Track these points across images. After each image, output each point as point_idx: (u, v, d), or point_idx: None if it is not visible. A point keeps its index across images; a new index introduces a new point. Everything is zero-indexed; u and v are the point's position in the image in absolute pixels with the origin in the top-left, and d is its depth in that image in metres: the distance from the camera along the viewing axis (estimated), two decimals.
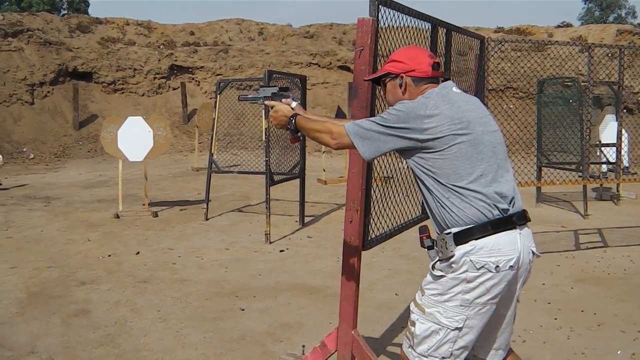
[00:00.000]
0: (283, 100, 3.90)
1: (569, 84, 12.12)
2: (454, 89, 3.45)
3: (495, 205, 3.25)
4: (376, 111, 4.38)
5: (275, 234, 9.52)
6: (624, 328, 5.89)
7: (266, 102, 3.97)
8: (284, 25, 28.88)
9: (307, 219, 10.65)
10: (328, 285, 7.06)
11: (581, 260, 8.35)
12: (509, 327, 3.49)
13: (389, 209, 4.83)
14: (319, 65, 25.85)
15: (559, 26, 28.69)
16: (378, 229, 4.64)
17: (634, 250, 8.88)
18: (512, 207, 3.31)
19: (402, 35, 4.70)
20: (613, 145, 9.10)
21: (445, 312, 3.28)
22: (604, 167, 12.80)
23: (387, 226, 4.84)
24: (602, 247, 9.16)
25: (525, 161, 9.40)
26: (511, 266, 3.20)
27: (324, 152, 16.22)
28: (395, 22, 4.42)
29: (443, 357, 3.32)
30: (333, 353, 4.51)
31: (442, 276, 3.33)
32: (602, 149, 11.26)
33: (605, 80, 12.90)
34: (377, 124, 3.38)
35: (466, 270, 3.23)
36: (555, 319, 6.10)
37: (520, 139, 10.63)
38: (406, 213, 5.11)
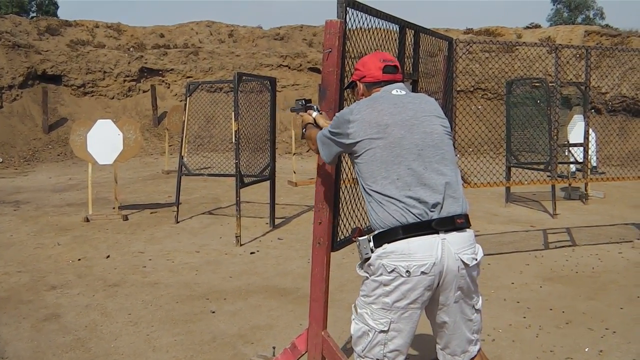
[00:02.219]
0: (308, 111, 4.10)
1: (538, 84, 12.21)
2: (395, 91, 3.57)
3: (408, 210, 3.28)
4: None
5: (246, 236, 9.52)
6: (592, 326, 5.96)
7: (300, 113, 4.16)
8: (254, 27, 28.80)
9: (277, 221, 10.65)
10: (299, 286, 7.08)
11: (550, 259, 8.43)
12: (458, 332, 3.49)
13: (359, 210, 4.85)
14: (289, 67, 25.84)
15: (527, 27, 28.93)
16: (348, 230, 4.65)
17: (601, 249, 8.97)
18: (438, 212, 3.30)
19: (371, 37, 4.72)
20: (580, 145, 9.21)
21: (372, 314, 3.37)
22: (573, 167, 12.93)
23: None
24: (570, 246, 9.25)
25: (494, 161, 9.46)
26: (423, 272, 3.23)
27: (294, 154, 16.22)
28: (364, 24, 4.44)
29: (377, 359, 3.40)
30: (303, 354, 4.52)
31: (366, 278, 3.43)
32: (570, 148, 11.37)
33: (573, 81, 13.00)
34: (328, 130, 3.58)
35: (381, 274, 3.31)
36: (524, 317, 6.16)
37: (489, 139, 10.71)
38: None
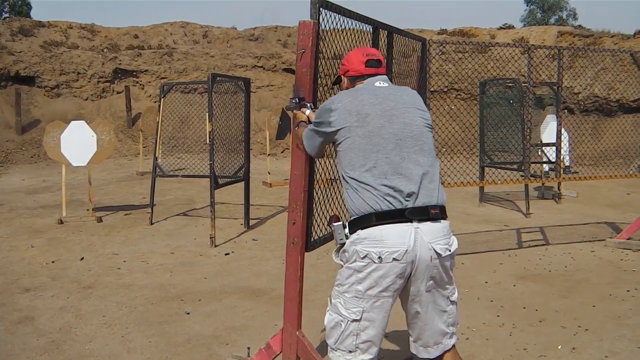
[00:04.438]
0: (302, 109, 4.07)
1: (511, 84, 12.29)
2: (377, 83, 3.70)
3: (383, 198, 3.35)
4: None
5: (221, 237, 9.51)
6: (565, 323, 6.01)
7: (294, 112, 4.12)
8: (228, 28, 28.72)
9: (252, 222, 10.65)
10: (273, 287, 7.08)
11: (523, 258, 8.49)
12: (430, 323, 3.53)
13: (332, 210, 4.87)
14: (264, 68, 25.78)
15: (501, 28, 29.03)
16: (321, 230, 4.67)
17: (574, 247, 9.05)
18: (413, 201, 3.37)
19: (344, 38, 4.75)
20: (553, 144, 9.28)
21: (345, 303, 3.42)
22: (546, 167, 13.03)
23: (331, 227, 4.88)
24: (543, 244, 9.32)
25: (468, 161, 9.53)
26: (395, 258, 3.29)
27: (268, 155, 16.21)
28: (337, 24, 4.46)
29: (350, 351, 3.44)
30: (278, 354, 4.53)
31: (341, 266, 3.49)
32: (543, 148, 11.46)
33: (545, 81, 13.10)
34: (312, 122, 3.68)
35: (355, 260, 3.38)
36: (498, 316, 6.20)
37: (462, 139, 10.76)
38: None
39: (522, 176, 9.00)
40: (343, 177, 3.53)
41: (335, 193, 4.97)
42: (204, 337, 5.67)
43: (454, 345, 3.67)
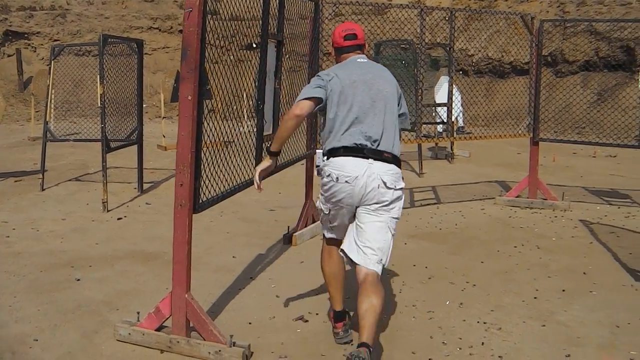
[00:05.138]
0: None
1: (405, 46, 12.40)
2: (359, 59, 4.75)
3: (355, 138, 4.43)
4: (207, 73, 4.42)
5: (114, 202, 9.36)
6: (454, 280, 6.18)
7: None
8: None
9: (146, 186, 10.54)
10: (166, 251, 6.95)
11: (415, 216, 8.66)
12: (368, 228, 4.47)
13: (221, 172, 4.86)
14: (160, 30, 25.44)
15: None
16: (210, 192, 4.66)
17: (465, 206, 9.29)
18: (375, 146, 4.43)
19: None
20: (445, 105, 9.43)
21: (321, 200, 4.71)
22: (440, 127, 13.25)
23: (220, 189, 4.87)
24: (435, 203, 9.53)
25: None
26: (347, 181, 4.38)
27: (163, 117, 16.01)
28: None
29: (326, 230, 4.86)
30: (168, 318, 4.52)
31: (321, 179, 4.63)
32: (438, 109, 11.64)
33: (438, 42, 13.25)
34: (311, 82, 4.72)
35: (324, 177, 4.55)
36: (388, 274, 6.29)
37: None
38: (240, 176, 5.19)
39: (415, 136, 9.12)
40: (327, 119, 4.57)
41: (225, 155, 4.97)
42: (94, 303, 5.58)
43: (378, 275, 4.46)
